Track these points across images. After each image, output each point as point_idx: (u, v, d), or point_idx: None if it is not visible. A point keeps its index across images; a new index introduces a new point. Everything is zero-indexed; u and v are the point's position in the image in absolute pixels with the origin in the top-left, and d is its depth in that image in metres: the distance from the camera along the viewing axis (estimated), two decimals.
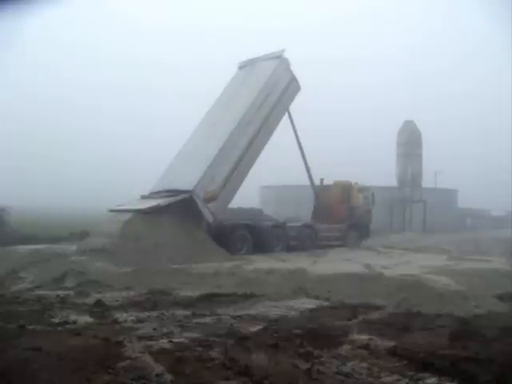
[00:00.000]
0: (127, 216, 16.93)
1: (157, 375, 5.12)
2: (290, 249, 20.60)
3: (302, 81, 22.21)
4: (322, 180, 25.32)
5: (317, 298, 10.31)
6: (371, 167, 56.08)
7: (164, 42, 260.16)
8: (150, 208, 17.28)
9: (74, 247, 17.15)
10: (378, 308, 9.15)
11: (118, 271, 13.39)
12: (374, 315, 8.51)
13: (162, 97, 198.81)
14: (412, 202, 41.23)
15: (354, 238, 24.06)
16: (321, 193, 24.76)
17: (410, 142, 40.74)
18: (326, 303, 9.80)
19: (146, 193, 19.51)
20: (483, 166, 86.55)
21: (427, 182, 44.94)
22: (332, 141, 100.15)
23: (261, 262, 16.04)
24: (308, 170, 24.26)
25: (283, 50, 21.57)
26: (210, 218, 18.35)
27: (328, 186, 25.23)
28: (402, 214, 40.47)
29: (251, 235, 19.66)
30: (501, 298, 10.18)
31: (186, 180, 18.23)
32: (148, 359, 5.62)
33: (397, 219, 40.04)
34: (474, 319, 8.05)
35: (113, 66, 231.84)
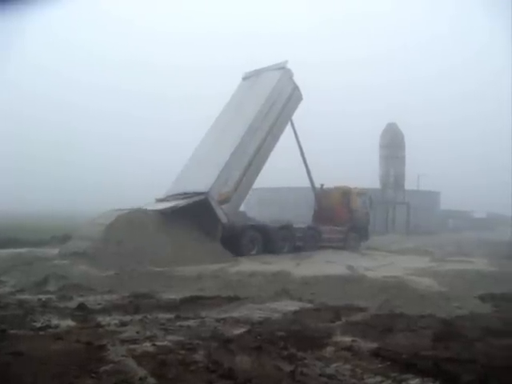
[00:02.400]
0: (109, 219, 16.89)
1: (140, 379, 5.09)
2: (296, 249, 21.09)
3: (301, 83, 22.96)
4: (322, 185, 25.91)
5: (300, 300, 10.33)
6: (368, 169, 56.22)
7: (166, 46, 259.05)
8: (167, 208, 17.88)
9: (56, 251, 17.00)
10: (361, 310, 9.20)
11: (101, 275, 13.28)
12: (357, 317, 8.54)
13: (160, 100, 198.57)
14: (395, 204, 41.48)
15: (353, 240, 24.60)
16: (321, 196, 25.37)
17: (392, 144, 41.03)
18: (309, 305, 9.81)
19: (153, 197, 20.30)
20: (482, 166, 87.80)
21: (410, 184, 45.30)
22: (329, 143, 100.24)
23: (244, 265, 16.02)
24: (309, 173, 24.79)
25: (286, 61, 22.49)
26: (224, 218, 18.93)
27: (327, 190, 25.85)
28: (384, 216, 40.69)
29: (261, 236, 20.23)
30: (483, 298, 10.31)
31: (201, 183, 18.90)
32: (131, 363, 5.59)
33: (379, 221, 40.23)
34: (456, 320, 8.13)
35: (114, 68, 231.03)
